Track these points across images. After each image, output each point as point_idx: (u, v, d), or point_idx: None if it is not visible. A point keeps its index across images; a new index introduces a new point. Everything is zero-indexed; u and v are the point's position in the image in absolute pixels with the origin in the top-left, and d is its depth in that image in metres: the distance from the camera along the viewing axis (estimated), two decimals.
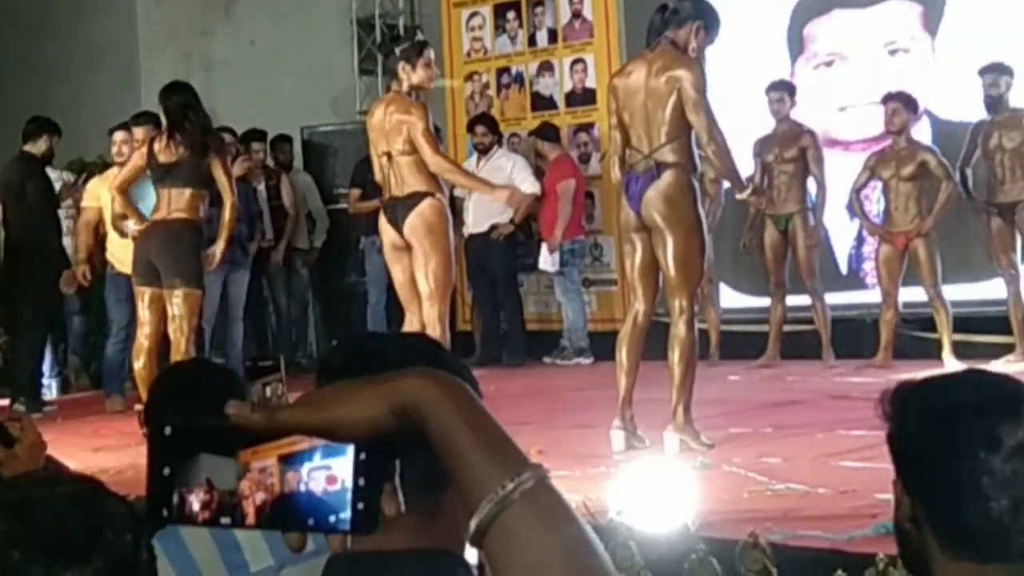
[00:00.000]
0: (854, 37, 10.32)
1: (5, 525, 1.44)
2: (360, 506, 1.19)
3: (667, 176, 6.19)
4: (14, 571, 1.40)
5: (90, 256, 9.43)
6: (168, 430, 1.25)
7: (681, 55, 6.31)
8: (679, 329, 6.21)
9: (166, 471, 1.24)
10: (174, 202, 7.64)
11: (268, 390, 3.38)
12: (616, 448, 6.05)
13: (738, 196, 6.68)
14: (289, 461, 1.21)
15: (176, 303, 7.56)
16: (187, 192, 7.64)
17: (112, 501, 1.53)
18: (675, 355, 6.18)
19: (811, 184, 9.46)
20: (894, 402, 1.87)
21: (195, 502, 1.22)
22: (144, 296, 7.76)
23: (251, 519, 1.21)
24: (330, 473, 1.20)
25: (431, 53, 7.30)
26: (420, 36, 7.98)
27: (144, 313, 7.77)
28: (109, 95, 11.97)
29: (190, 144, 7.62)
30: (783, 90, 9.55)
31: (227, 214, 7.81)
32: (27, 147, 9.60)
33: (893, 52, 10.16)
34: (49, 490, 1.50)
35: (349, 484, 1.19)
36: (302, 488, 1.21)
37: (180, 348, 7.50)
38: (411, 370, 1.23)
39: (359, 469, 1.19)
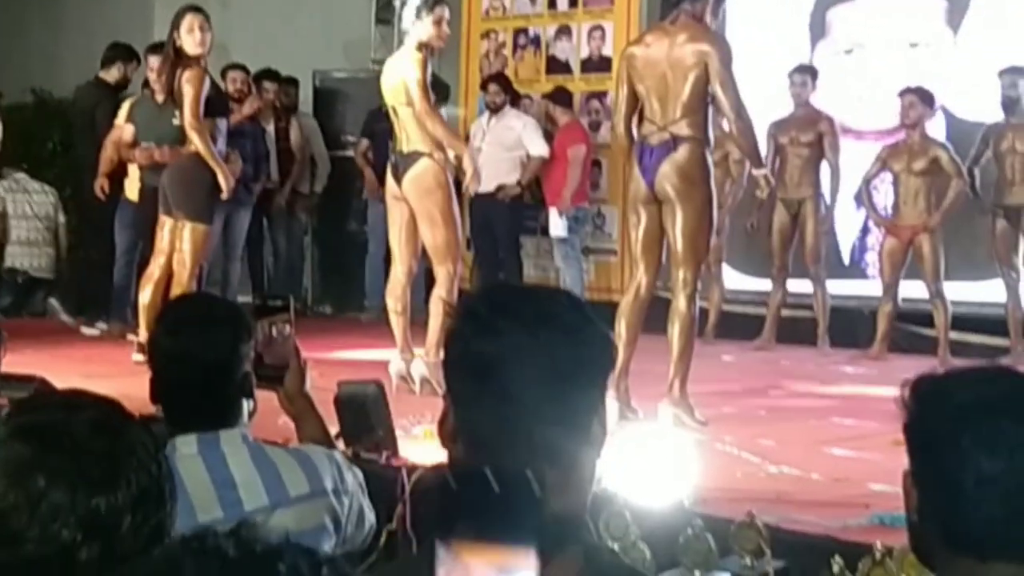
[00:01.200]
0: (877, 27, 10.26)
1: (27, 449, 1.40)
2: None
3: (683, 150, 6.15)
4: (38, 496, 1.36)
5: (110, 172, 9.33)
6: None
7: (707, 30, 6.26)
8: (680, 303, 6.19)
9: None
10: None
11: (275, 329, 3.37)
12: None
13: (755, 171, 6.63)
14: None
15: (185, 236, 7.52)
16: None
17: (135, 428, 1.50)
18: (675, 329, 6.16)
19: (823, 170, 9.42)
20: (913, 393, 1.85)
21: None
22: (165, 226, 7.71)
23: None
24: None
25: (443, 11, 7.19)
26: None
27: (163, 243, 7.72)
28: (123, 24, 11.86)
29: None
30: (807, 74, 9.52)
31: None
32: (101, 73, 9.85)
33: (914, 45, 10.12)
34: (72, 415, 1.46)
35: None
36: None
37: (182, 281, 7.47)
38: None
39: None
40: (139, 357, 7.22)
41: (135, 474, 1.43)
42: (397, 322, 7.14)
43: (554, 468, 1.64)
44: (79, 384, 6.23)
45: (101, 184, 9.27)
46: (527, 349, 1.63)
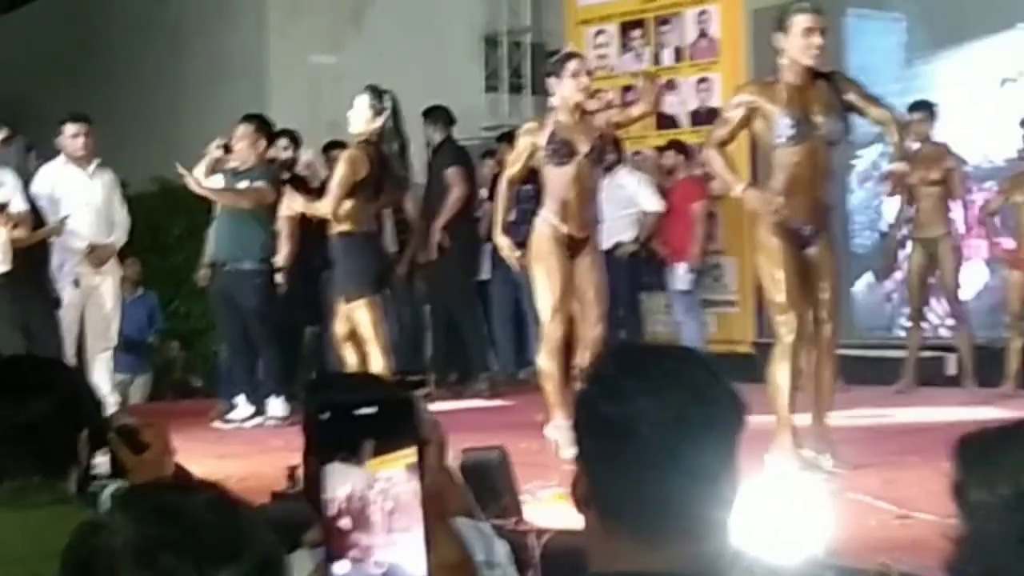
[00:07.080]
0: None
1: (155, 529, 1.45)
2: None
3: None
4: (169, 573, 1.42)
5: None
6: (326, 415, 1.41)
7: None
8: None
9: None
10: None
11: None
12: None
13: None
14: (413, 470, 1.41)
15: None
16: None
17: (244, 505, 1.56)
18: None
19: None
20: (958, 452, 1.82)
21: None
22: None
23: (379, 526, 1.39)
24: None
25: (576, 64, 7.21)
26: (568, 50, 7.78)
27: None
28: (240, 106, 12.14)
29: None
30: (926, 110, 9.29)
31: None
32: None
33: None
34: (187, 497, 1.52)
35: None
36: None
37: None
38: None
39: None
40: None
41: (256, 544, 1.49)
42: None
43: (686, 530, 1.64)
44: (214, 465, 6.33)
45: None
46: (654, 410, 1.63)
